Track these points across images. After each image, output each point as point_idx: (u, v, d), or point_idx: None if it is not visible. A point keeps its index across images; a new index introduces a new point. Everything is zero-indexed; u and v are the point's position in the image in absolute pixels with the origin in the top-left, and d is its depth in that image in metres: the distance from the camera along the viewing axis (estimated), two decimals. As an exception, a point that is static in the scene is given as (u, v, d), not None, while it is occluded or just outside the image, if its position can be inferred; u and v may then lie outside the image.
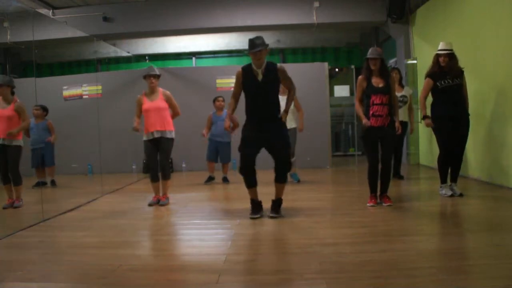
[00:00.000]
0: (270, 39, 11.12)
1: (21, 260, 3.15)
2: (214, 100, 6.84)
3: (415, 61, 8.31)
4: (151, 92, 5.12)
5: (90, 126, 7.27)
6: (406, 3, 8.22)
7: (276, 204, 4.28)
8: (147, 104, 5.05)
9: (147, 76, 5.08)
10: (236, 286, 2.59)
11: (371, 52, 4.48)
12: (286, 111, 4.23)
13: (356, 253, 3.02)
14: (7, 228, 4.08)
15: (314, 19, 8.57)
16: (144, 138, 5.08)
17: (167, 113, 5.12)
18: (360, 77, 4.61)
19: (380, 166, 4.53)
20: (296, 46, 11.39)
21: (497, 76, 5.43)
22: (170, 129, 5.12)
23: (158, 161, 5.11)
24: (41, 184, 6.91)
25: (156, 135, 5.03)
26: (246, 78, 4.14)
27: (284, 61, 11.37)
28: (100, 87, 8.57)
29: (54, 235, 3.94)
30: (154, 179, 5.13)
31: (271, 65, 4.17)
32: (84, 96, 8.74)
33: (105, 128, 7.44)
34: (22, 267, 2.96)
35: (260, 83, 4.11)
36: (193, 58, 11.62)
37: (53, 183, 7.13)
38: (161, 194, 5.19)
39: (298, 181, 6.53)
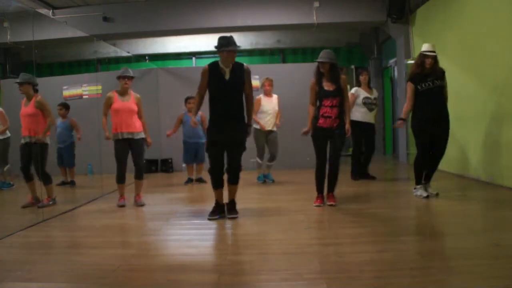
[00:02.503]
0: (270, 39, 11.16)
1: (21, 260, 3.15)
2: (186, 101, 6.77)
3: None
4: (124, 92, 5.09)
5: (90, 126, 7.26)
6: (406, 3, 8.22)
7: (233, 205, 4.31)
8: (119, 103, 5.02)
9: (121, 77, 5.06)
10: (236, 286, 2.59)
11: (320, 56, 4.50)
12: (249, 125, 4.20)
13: (356, 253, 3.03)
14: (7, 228, 4.08)
15: (314, 19, 8.57)
16: (113, 138, 5.05)
17: (136, 116, 5.11)
18: (311, 81, 4.62)
19: (327, 165, 4.56)
20: (296, 46, 11.40)
21: (497, 76, 5.42)
22: (140, 131, 5.09)
23: (134, 162, 5.11)
24: (65, 184, 6.98)
25: (126, 136, 5.00)
26: (212, 76, 4.02)
27: (284, 61, 11.37)
28: (100, 87, 8.54)
29: (54, 235, 3.95)
30: (121, 181, 5.13)
31: (238, 65, 4.07)
32: (84, 96, 8.74)
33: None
34: (22, 267, 2.96)
35: (227, 82, 4.01)
36: (193, 58, 11.62)
37: (72, 183, 7.18)
38: (135, 194, 5.17)
39: (273, 181, 6.59)
